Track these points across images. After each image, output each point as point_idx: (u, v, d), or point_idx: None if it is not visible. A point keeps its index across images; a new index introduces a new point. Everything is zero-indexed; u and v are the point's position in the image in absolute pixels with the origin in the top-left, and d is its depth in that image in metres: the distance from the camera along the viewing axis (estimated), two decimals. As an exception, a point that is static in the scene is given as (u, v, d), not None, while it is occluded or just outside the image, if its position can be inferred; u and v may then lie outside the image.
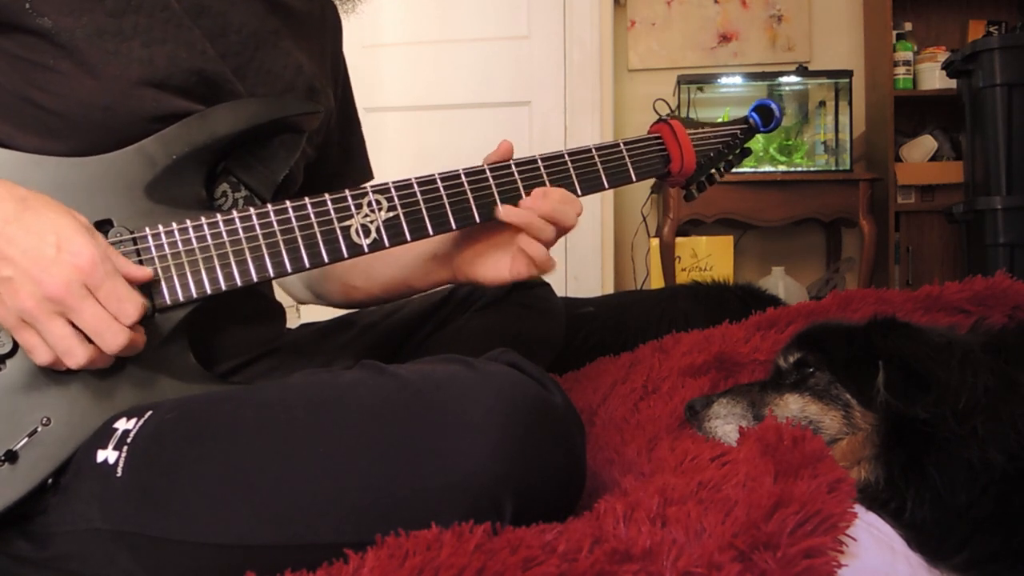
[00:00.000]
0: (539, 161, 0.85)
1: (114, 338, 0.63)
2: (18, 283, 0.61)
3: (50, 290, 0.61)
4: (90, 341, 0.64)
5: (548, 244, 0.82)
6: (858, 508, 0.59)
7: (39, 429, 0.66)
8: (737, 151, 1.01)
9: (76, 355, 0.63)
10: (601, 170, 0.88)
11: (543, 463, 0.59)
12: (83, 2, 0.71)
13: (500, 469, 0.56)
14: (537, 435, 0.59)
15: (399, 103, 2.74)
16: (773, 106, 0.98)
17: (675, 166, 0.94)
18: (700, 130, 0.97)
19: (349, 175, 1.06)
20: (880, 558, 0.59)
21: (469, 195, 0.81)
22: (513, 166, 0.84)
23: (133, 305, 0.64)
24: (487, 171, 0.83)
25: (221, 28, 0.80)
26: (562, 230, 0.82)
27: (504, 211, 0.81)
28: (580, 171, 0.87)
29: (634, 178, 0.91)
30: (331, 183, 1.01)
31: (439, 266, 0.92)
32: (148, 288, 0.69)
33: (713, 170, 1.01)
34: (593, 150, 0.89)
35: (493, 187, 0.82)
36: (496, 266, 0.86)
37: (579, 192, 0.87)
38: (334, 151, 1.02)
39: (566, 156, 0.87)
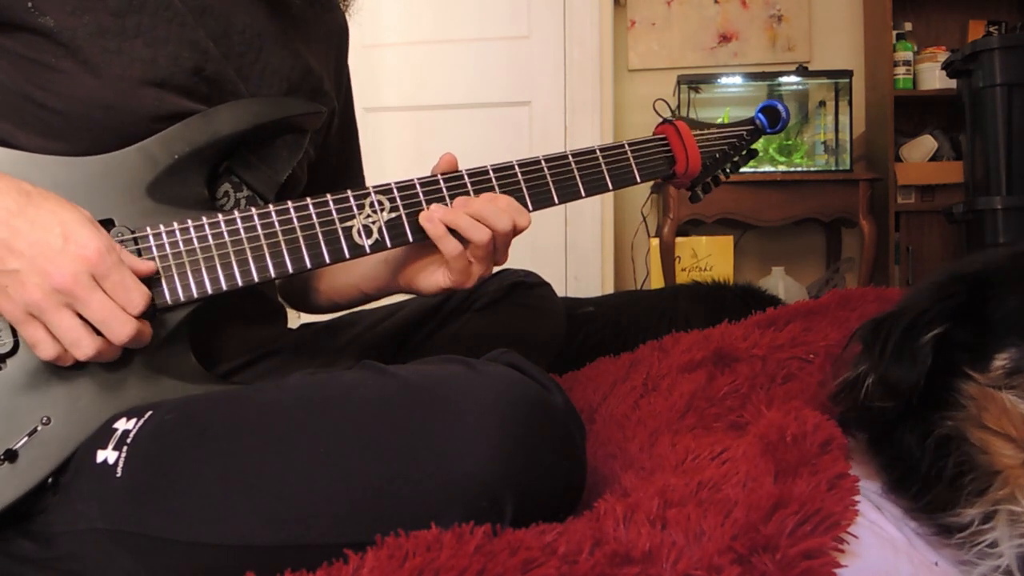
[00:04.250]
0: (543, 162, 0.85)
1: (121, 328, 0.63)
2: (25, 275, 0.61)
3: (58, 281, 0.61)
4: (98, 333, 0.64)
5: (484, 250, 0.77)
6: (861, 506, 0.59)
7: (39, 428, 0.66)
8: (743, 152, 1.00)
9: (84, 346, 0.63)
10: (605, 171, 0.88)
11: (543, 463, 0.59)
12: (85, 1, 0.71)
13: (500, 470, 0.56)
14: (537, 436, 0.59)
15: (399, 103, 2.74)
16: (780, 107, 0.98)
17: (680, 168, 0.94)
18: (706, 131, 0.96)
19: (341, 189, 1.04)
20: (882, 557, 0.59)
21: (472, 196, 0.81)
22: (516, 166, 0.84)
23: (140, 295, 0.65)
24: (490, 171, 0.82)
25: (224, 28, 0.80)
26: (500, 234, 0.78)
27: (423, 217, 0.78)
28: (584, 172, 0.87)
29: (639, 179, 0.91)
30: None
31: (389, 274, 0.89)
32: (150, 287, 0.69)
33: (719, 171, 1.00)
34: (597, 151, 0.88)
35: (496, 187, 0.82)
36: (435, 275, 0.83)
37: (583, 194, 0.86)
38: (332, 161, 1.01)
39: (570, 157, 0.86)
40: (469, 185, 0.81)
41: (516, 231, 0.79)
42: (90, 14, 0.72)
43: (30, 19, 0.70)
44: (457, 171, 0.82)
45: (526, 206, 0.83)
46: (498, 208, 0.78)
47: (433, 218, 0.77)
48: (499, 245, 0.79)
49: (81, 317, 0.63)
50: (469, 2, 2.72)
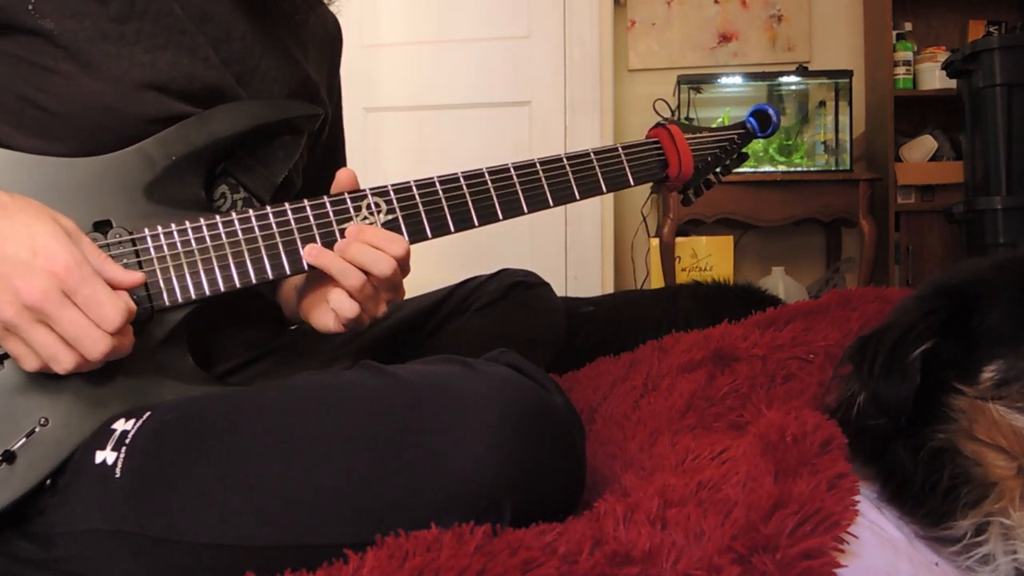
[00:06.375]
0: (537, 165, 0.85)
1: (94, 345, 0.61)
2: None
3: (27, 298, 0.59)
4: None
5: (354, 291, 0.73)
6: (862, 506, 0.58)
7: (37, 430, 0.66)
8: (734, 156, 1.01)
9: (62, 361, 0.62)
10: (599, 174, 0.89)
11: (543, 464, 0.59)
12: (86, 5, 0.71)
13: (499, 470, 0.56)
14: (536, 436, 0.59)
15: (399, 103, 2.74)
16: (771, 111, 0.99)
17: (673, 171, 0.95)
18: (698, 135, 0.97)
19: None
20: (882, 557, 0.59)
21: (468, 199, 0.81)
22: (512, 169, 0.84)
23: (114, 310, 0.62)
24: (485, 174, 0.83)
25: (224, 35, 0.80)
26: (375, 277, 0.73)
27: (308, 251, 0.74)
28: (578, 175, 0.87)
29: (632, 183, 0.92)
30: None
31: (296, 302, 0.84)
32: (146, 290, 0.69)
33: (710, 175, 1.01)
34: (592, 154, 0.89)
35: (492, 191, 0.82)
36: (326, 315, 0.77)
37: (577, 196, 0.87)
38: (317, 164, 0.99)
39: (564, 160, 0.87)
40: (465, 188, 0.81)
41: (399, 261, 0.74)
42: (91, 19, 0.72)
43: (30, 21, 0.70)
44: (453, 174, 0.81)
45: (520, 209, 0.83)
46: (377, 255, 0.73)
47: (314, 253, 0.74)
48: (379, 285, 0.74)
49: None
50: (469, 2, 2.72)
